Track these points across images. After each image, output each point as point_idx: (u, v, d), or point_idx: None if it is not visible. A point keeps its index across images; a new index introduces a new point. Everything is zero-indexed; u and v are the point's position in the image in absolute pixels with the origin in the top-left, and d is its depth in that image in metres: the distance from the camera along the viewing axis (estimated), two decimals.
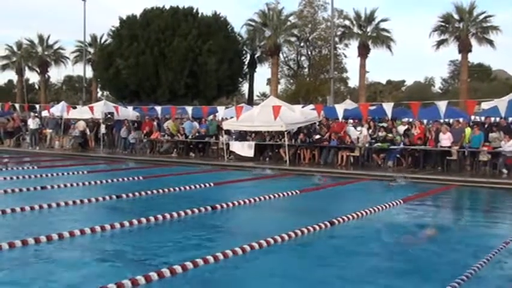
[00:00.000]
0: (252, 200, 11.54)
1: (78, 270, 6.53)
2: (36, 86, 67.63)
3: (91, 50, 52.25)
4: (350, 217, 9.73)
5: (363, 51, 41.68)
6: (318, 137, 19.48)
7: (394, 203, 11.40)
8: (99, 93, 55.59)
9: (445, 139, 16.93)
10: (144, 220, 9.12)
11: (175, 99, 36.70)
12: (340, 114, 19.53)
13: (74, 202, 10.85)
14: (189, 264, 6.45)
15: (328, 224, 9.09)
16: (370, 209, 10.51)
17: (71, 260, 6.99)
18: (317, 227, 8.79)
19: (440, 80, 72.00)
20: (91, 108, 25.71)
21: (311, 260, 7.35)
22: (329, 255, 7.63)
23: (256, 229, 9.15)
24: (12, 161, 20.28)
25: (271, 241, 7.78)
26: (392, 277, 6.59)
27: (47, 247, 7.49)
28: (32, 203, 10.48)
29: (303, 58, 50.36)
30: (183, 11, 40.71)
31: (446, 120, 19.64)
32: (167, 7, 41.13)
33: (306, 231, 8.51)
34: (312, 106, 23.21)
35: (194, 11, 41.28)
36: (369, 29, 42.21)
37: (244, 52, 44.84)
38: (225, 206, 10.82)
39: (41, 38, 55.83)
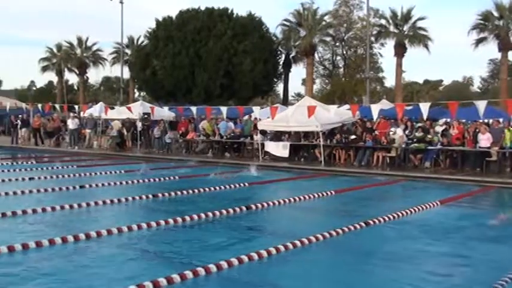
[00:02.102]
0: (287, 200, 11.53)
1: (115, 267, 6.64)
2: (75, 87, 69.04)
3: (128, 51, 53.05)
4: (386, 218, 9.62)
5: (400, 51, 41.13)
6: (353, 137, 19.33)
7: (431, 205, 11.22)
8: (136, 94, 56.40)
9: (484, 139, 16.57)
10: (179, 219, 9.21)
11: (211, 99, 36.95)
12: (375, 115, 19.32)
13: (112, 201, 11.04)
14: (224, 264, 6.49)
15: (364, 224, 9.02)
16: (407, 210, 10.37)
17: (108, 257, 7.12)
18: (352, 228, 8.73)
19: (479, 80, 70.57)
20: (128, 109, 26.11)
21: (345, 261, 7.31)
22: (363, 256, 7.55)
23: (291, 229, 9.13)
24: (52, 160, 20.76)
25: (306, 241, 7.75)
26: (427, 280, 6.49)
27: (86, 244, 7.65)
28: (71, 201, 10.73)
29: (338, 58, 50.03)
30: (218, 12, 40.95)
31: (486, 120, 19.22)
32: (202, 8, 41.45)
33: (341, 232, 8.46)
34: (347, 106, 23.04)
35: (229, 11, 41.47)
36: (405, 27, 41.61)
37: (279, 52, 44.80)
38: (259, 206, 10.84)
39: (80, 40, 56.98)
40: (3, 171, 16.59)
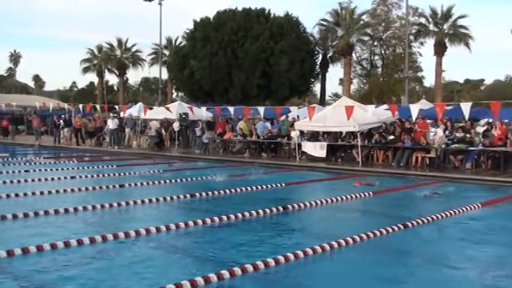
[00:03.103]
0: (324, 201, 11.48)
1: (153, 266, 6.74)
2: (115, 88, 70.31)
3: (167, 52, 53.74)
4: (425, 220, 9.47)
5: (439, 50, 40.45)
6: (391, 137, 19.09)
7: (472, 207, 10.98)
8: (174, 94, 57.07)
9: None
10: (216, 219, 9.28)
11: (248, 99, 37.09)
12: (415, 115, 19.04)
13: (150, 200, 11.20)
14: (260, 264, 6.51)
15: (402, 226, 8.90)
16: (447, 212, 10.18)
17: (146, 256, 7.22)
18: (390, 230, 8.62)
19: None
20: (166, 109, 26.44)
21: (382, 263, 7.23)
22: (401, 259, 7.46)
23: (328, 230, 9.09)
24: (93, 159, 21.21)
25: (343, 243, 7.70)
26: (466, 283, 6.37)
27: (125, 242, 7.78)
28: (111, 200, 10.94)
29: (376, 57, 49.52)
30: (255, 12, 41.09)
31: None
32: (240, 9, 41.66)
33: (378, 233, 8.37)
34: (385, 106, 22.78)
35: (266, 12, 41.57)
36: (445, 26, 40.92)
37: (316, 52, 44.66)
38: (296, 206, 10.82)
39: (119, 41, 58.05)
40: (46, 170, 17.04)
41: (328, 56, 45.73)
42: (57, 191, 12.25)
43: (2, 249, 6.88)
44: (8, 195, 11.43)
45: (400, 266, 7.08)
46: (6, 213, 9.25)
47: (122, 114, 29.56)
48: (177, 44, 51.59)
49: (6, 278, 6.10)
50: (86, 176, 15.46)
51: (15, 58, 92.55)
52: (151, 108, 30.08)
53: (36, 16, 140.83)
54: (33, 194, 11.82)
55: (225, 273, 6.12)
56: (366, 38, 45.45)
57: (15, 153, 24.36)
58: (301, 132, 21.04)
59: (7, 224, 8.89)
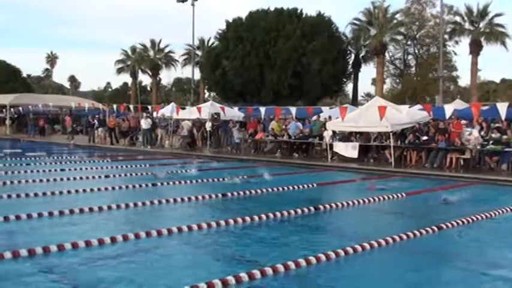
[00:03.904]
0: (356, 202, 11.39)
1: (184, 264, 6.81)
2: (149, 88, 71.14)
3: (199, 52, 54.11)
4: (459, 222, 9.31)
5: (475, 48, 39.69)
6: (425, 138, 18.82)
7: (508, 209, 10.75)
8: (206, 94, 57.43)
9: None
10: (248, 219, 9.30)
11: (279, 99, 37.05)
12: (449, 115, 18.72)
13: (182, 199, 11.30)
14: (291, 264, 6.50)
15: (436, 228, 8.76)
16: (482, 214, 9.99)
17: (178, 254, 7.30)
18: (424, 232, 8.49)
19: None
20: (199, 109, 26.63)
21: (415, 265, 7.14)
22: (434, 261, 7.35)
23: (360, 231, 9.02)
24: (126, 159, 21.50)
25: (375, 244, 7.63)
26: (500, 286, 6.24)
27: (157, 241, 7.86)
28: (144, 198, 11.09)
29: (409, 57, 48.94)
30: (287, 12, 41.03)
31: None
32: (272, 9, 41.65)
33: (411, 235, 8.25)
34: (419, 106, 22.47)
35: (298, 11, 41.46)
36: (481, 24, 40.12)
37: (348, 52, 44.35)
38: (328, 207, 10.77)
39: (153, 42, 58.72)
40: (81, 169, 17.36)
41: (361, 55, 45.36)
42: (92, 190, 12.48)
43: (39, 245, 7.04)
44: (44, 193, 11.69)
45: (432, 269, 6.97)
46: (42, 210, 9.45)
47: (154, 114, 29.90)
48: (209, 44, 51.89)
49: (42, 275, 6.24)
50: (120, 175, 15.69)
51: (51, 59, 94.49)
52: (183, 108, 30.34)
53: (72, 18, 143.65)
54: (69, 192, 12.07)
55: (256, 273, 6.13)
56: (400, 37, 44.91)
57: (52, 152, 24.89)
58: (333, 132, 20.92)
59: (43, 221, 9.09)
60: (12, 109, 40.76)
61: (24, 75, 66.38)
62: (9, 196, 11.24)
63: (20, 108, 40.87)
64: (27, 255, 6.78)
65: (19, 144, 30.06)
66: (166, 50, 59.52)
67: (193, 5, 43.68)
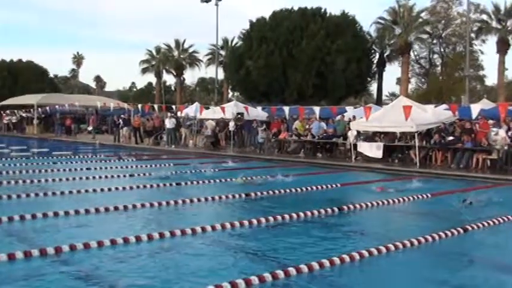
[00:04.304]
0: (380, 203, 11.30)
1: (208, 264, 6.82)
2: (173, 88, 71.66)
3: (223, 52, 54.30)
4: (485, 224, 9.16)
5: (502, 47, 39.06)
6: (451, 138, 18.58)
7: None
8: (230, 94, 57.63)
9: None
10: (271, 218, 9.30)
11: (303, 99, 36.96)
12: (475, 115, 18.45)
13: (206, 198, 11.35)
14: (315, 265, 6.48)
15: (462, 230, 8.64)
16: (509, 216, 9.81)
17: (201, 254, 7.32)
18: (449, 233, 8.38)
19: None
20: (222, 109, 26.71)
21: (440, 268, 7.05)
22: (460, 264, 7.25)
23: (385, 232, 8.96)
24: (151, 158, 21.68)
25: (400, 245, 7.55)
26: None
27: (181, 240, 7.91)
28: (168, 198, 11.17)
29: (435, 56, 48.42)
30: (311, 12, 40.90)
31: None
32: (296, 8, 41.56)
33: (436, 237, 8.15)
34: (445, 106, 22.19)
35: (322, 11, 41.29)
36: (509, 23, 39.47)
37: (373, 51, 44.04)
38: (352, 207, 10.71)
39: (177, 42, 59.13)
40: (106, 168, 17.56)
41: (385, 54, 45.01)
42: (117, 188, 12.62)
43: (65, 243, 7.14)
44: (70, 192, 11.86)
45: (457, 271, 6.88)
46: (68, 209, 9.59)
47: (179, 114, 30.09)
48: (233, 44, 52.04)
49: (68, 273, 6.33)
50: (144, 174, 15.83)
51: (78, 60, 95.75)
52: (207, 108, 30.46)
53: (98, 19, 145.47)
54: (94, 191, 12.23)
55: (280, 273, 6.12)
56: (425, 36, 44.45)
57: (78, 151, 25.24)
58: (358, 132, 20.79)
59: (69, 219, 9.22)
60: (39, 109, 41.44)
61: (51, 75, 67.40)
62: (36, 194, 11.43)
63: (47, 108, 41.55)
64: (54, 253, 6.88)
65: (46, 144, 30.56)
66: (191, 50, 59.90)
67: (217, 5, 43.82)
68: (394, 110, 19.50)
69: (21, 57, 57.97)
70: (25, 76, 54.06)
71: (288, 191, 12.75)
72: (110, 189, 12.48)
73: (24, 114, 43.83)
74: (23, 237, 7.90)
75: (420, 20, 42.72)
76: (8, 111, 44.60)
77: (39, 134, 38.77)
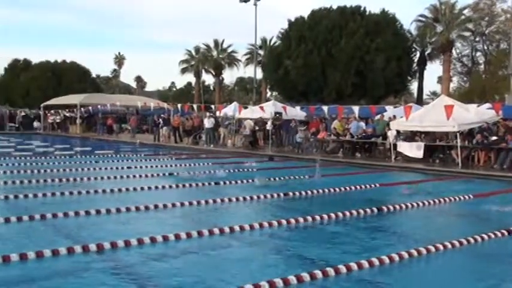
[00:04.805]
0: (421, 203, 11.12)
1: (245, 263, 6.86)
2: (212, 88, 72.22)
3: (261, 52, 54.40)
4: None
5: None
6: (494, 138, 18.12)
7: None
8: (268, 94, 57.67)
9: None
10: (309, 218, 9.27)
11: (342, 98, 36.68)
12: None
13: (244, 198, 11.39)
14: (354, 266, 6.43)
15: (506, 232, 8.42)
16: None
17: (240, 253, 7.37)
18: (492, 235, 8.18)
19: None
20: (261, 108, 26.75)
21: (483, 271, 6.89)
22: (505, 267, 7.07)
23: (425, 234, 8.81)
24: (190, 157, 21.90)
25: (441, 247, 7.41)
26: None
27: (220, 239, 7.97)
28: (207, 197, 11.26)
29: (478, 54, 47.36)
30: (350, 10, 40.54)
31: None
32: (334, 7, 41.28)
33: (479, 239, 7.97)
34: (488, 105, 21.66)
35: (362, 9, 40.87)
36: None
37: (413, 49, 43.34)
38: (391, 208, 10.57)
39: (216, 42, 59.59)
40: (146, 167, 17.84)
41: (426, 53, 44.24)
42: (156, 187, 12.80)
43: (106, 240, 7.29)
44: (111, 190, 12.10)
45: (501, 274, 6.71)
46: (110, 207, 9.78)
47: (217, 114, 30.29)
48: (271, 43, 52.09)
49: (109, 269, 6.46)
50: (183, 173, 16.00)
51: (119, 60, 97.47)
52: (246, 108, 30.56)
53: (139, 20, 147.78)
54: (134, 189, 12.44)
55: (318, 273, 6.10)
56: (467, 34, 43.54)
57: (119, 150, 25.71)
58: (397, 132, 20.51)
59: (111, 217, 9.41)
60: (82, 109, 42.37)
61: (94, 75, 68.80)
62: (79, 192, 11.70)
63: (90, 108, 42.44)
64: (96, 250, 7.03)
65: (88, 143, 31.26)
66: (229, 49, 60.28)
67: (255, 4, 43.91)
68: (435, 109, 19.15)
69: (65, 58, 59.47)
70: (68, 76, 55.33)
71: (326, 191, 12.68)
72: (149, 188, 12.67)
73: (67, 114, 44.95)
74: (67, 234, 8.10)
75: (462, 17, 41.85)
76: (52, 111, 45.81)
77: (81, 133, 39.65)
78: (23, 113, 48.25)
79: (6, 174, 15.16)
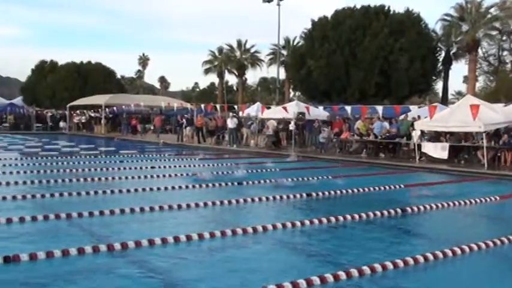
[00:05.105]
0: (445, 204, 10.98)
1: (269, 263, 6.86)
2: (235, 88, 72.37)
3: (284, 52, 54.31)
4: None
5: None
6: None
7: None
8: (291, 94, 57.56)
9: None
10: (332, 219, 9.23)
11: (365, 98, 36.40)
12: None
13: (267, 198, 11.39)
14: (378, 267, 6.38)
15: None
16: None
17: (262, 253, 7.37)
18: None
19: None
20: (284, 108, 26.73)
21: (507, 273, 6.78)
22: None
23: (450, 235, 8.70)
24: (213, 157, 21.98)
25: (467, 249, 7.32)
26: None
27: (243, 239, 7.98)
28: (230, 197, 11.29)
29: (505, 53, 46.48)
30: (374, 10, 40.19)
31: None
32: (358, 6, 40.98)
33: (505, 240, 7.84)
34: None
35: (386, 8, 40.50)
36: None
37: (438, 49, 42.79)
38: (415, 209, 10.47)
39: (239, 43, 59.75)
40: (169, 167, 17.96)
41: (452, 52, 43.65)
42: (180, 187, 12.88)
43: (131, 239, 7.36)
44: (135, 190, 12.21)
45: None
46: (134, 206, 9.88)
47: (240, 114, 30.34)
48: (294, 43, 51.97)
49: (133, 268, 6.52)
50: (206, 173, 16.05)
51: (143, 61, 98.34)
52: (268, 108, 30.56)
53: (163, 21, 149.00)
54: (158, 189, 12.53)
55: (342, 274, 6.07)
56: (494, 33, 42.79)
57: (143, 150, 25.95)
58: (422, 132, 20.30)
59: (135, 216, 9.49)
60: (107, 109, 42.85)
61: (118, 76, 69.48)
62: (104, 192, 11.83)
63: (114, 108, 42.91)
64: (120, 248, 7.10)
65: (113, 143, 31.59)
66: (252, 50, 60.35)
67: (279, 5, 43.85)
68: (460, 109, 18.91)
69: (91, 59, 60.14)
70: (94, 77, 55.97)
71: (349, 191, 12.61)
72: (173, 188, 12.76)
73: (92, 114, 45.54)
74: (92, 233, 8.20)
75: (489, 16, 41.19)
76: (78, 111, 46.45)
77: (106, 134, 40.11)
78: (49, 114, 49.05)
79: (33, 173, 15.42)
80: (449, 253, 7.11)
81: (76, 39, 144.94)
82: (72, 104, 45.06)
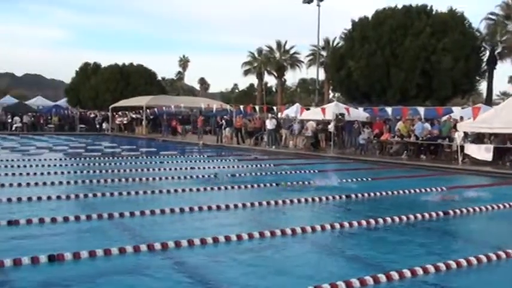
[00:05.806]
0: (490, 207, 10.71)
1: (307, 265, 6.83)
2: (274, 89, 72.38)
3: (324, 53, 54.02)
4: None
5: None
6: None
7: None
8: (331, 95, 57.19)
9: None
10: (372, 221, 9.13)
11: (406, 100, 35.81)
12: None
13: (306, 199, 11.35)
14: (419, 270, 6.27)
15: None
16: None
17: (301, 254, 7.35)
18: None
19: None
20: (323, 110, 26.58)
21: None
22: None
23: (494, 239, 8.48)
24: (252, 159, 22.04)
25: (511, 253, 7.12)
26: None
27: (281, 240, 7.97)
28: (268, 198, 11.29)
29: None
30: (416, 9, 39.52)
31: None
32: (399, 6, 40.39)
33: None
34: None
35: (428, 8, 39.79)
36: None
37: (482, 48, 41.76)
38: (458, 212, 10.24)
39: (278, 44, 59.74)
40: (209, 168, 18.09)
41: (497, 52, 42.54)
42: (219, 188, 12.95)
43: (171, 239, 7.44)
44: (175, 190, 12.35)
45: None
46: (174, 207, 9.99)
47: (279, 115, 30.32)
48: (334, 44, 51.61)
49: (172, 268, 6.60)
50: (245, 174, 16.11)
51: (183, 62, 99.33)
52: (308, 109, 30.43)
53: (203, 23, 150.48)
54: (198, 190, 12.63)
55: (382, 277, 5.99)
56: None
57: (183, 151, 26.24)
58: (465, 133, 19.85)
59: (175, 216, 9.60)
60: (148, 110, 43.49)
61: (159, 78, 70.41)
62: (145, 192, 12.02)
63: (155, 110, 43.45)
64: (161, 248, 7.19)
65: (154, 144, 32.05)
66: (292, 51, 60.27)
67: (318, 5, 43.61)
68: (506, 110, 18.44)
69: (132, 61, 61.07)
70: (135, 79, 56.81)
71: (390, 193, 12.44)
72: (212, 189, 12.84)
73: (134, 116, 46.29)
74: (133, 232, 8.34)
75: None
76: (119, 113, 47.29)
77: (147, 135, 40.69)
78: (92, 115, 50.13)
79: (77, 174, 15.78)
80: (493, 257, 6.93)
81: (118, 41, 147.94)
82: (114, 105, 45.89)
